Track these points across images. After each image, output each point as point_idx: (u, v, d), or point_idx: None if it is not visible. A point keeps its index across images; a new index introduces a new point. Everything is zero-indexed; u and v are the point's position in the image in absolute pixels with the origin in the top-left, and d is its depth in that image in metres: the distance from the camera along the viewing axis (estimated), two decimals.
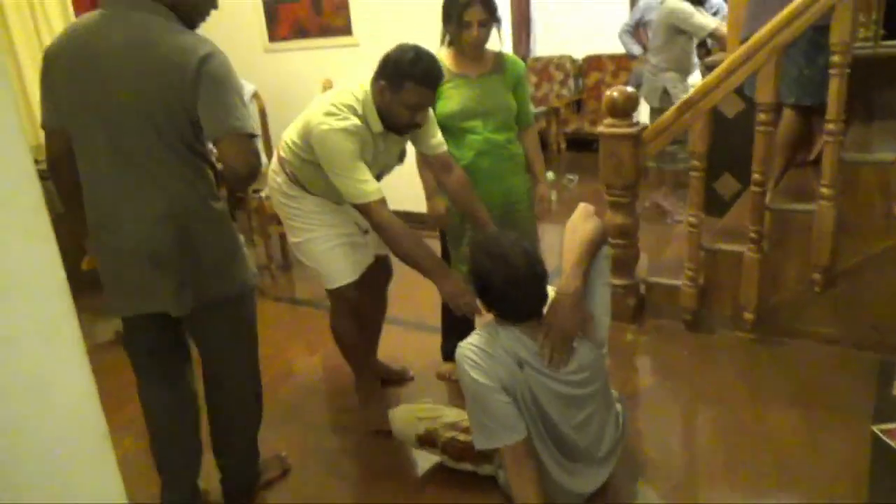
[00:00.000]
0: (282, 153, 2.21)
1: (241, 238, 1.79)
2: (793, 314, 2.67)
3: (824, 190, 2.45)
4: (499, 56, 2.40)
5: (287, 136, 2.19)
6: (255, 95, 4.50)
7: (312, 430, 2.42)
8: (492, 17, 2.25)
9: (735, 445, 2.14)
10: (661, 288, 2.93)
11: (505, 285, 1.68)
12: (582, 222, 1.82)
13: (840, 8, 2.27)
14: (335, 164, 1.95)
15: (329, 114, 1.96)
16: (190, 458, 1.95)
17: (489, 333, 1.75)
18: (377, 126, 2.04)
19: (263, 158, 3.99)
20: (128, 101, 1.50)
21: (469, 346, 1.73)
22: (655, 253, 3.67)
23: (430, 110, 2.16)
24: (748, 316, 2.70)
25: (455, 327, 2.48)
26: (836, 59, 2.33)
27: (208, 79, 1.49)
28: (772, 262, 2.64)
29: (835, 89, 2.35)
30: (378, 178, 2.13)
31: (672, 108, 2.72)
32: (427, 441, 2.04)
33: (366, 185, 1.94)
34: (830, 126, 2.39)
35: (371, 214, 1.97)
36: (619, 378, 2.55)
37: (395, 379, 2.68)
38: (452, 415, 2.04)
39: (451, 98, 2.31)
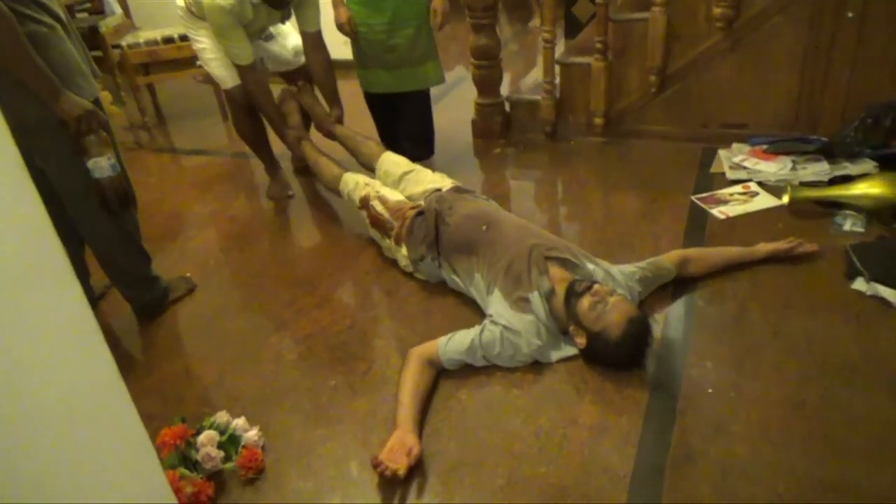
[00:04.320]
0: None
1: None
2: (635, 117, 3.03)
3: None
4: None
5: None
6: None
7: (211, 256, 2.59)
8: None
9: (587, 222, 2.56)
10: (524, 104, 3.20)
11: None
12: None
13: None
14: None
15: None
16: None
17: None
18: None
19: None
20: None
21: None
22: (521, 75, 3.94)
23: None
24: (598, 121, 3.03)
25: None
26: None
27: None
28: (616, 71, 2.95)
29: None
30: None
31: None
32: (364, 204, 2.39)
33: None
34: None
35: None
36: (490, 183, 2.92)
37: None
38: (385, 191, 2.38)
39: None
